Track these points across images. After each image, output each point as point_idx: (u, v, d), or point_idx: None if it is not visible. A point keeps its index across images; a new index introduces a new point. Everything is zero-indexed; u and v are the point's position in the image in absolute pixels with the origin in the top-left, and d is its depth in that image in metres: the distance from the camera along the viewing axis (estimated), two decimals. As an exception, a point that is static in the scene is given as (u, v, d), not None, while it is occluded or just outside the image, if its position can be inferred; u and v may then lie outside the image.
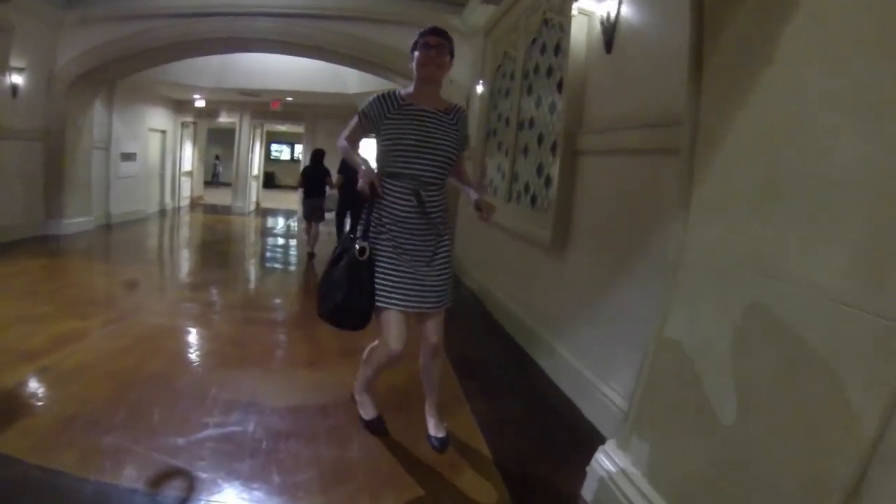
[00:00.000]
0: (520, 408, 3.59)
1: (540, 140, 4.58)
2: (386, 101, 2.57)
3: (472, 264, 6.85)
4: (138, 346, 4.07)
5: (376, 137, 2.62)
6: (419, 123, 2.54)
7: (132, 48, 8.55)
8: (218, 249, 9.53)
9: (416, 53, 2.54)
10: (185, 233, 11.82)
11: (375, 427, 2.98)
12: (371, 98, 2.62)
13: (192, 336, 4.59)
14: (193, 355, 4.14)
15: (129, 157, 11.76)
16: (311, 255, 8.35)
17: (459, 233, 7.68)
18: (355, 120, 2.68)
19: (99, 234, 9.65)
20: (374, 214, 2.58)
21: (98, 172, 10.52)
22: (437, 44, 2.52)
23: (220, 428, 2.92)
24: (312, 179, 8.22)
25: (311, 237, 8.39)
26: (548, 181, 4.36)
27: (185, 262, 8.45)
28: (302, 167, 9.58)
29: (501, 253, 5.49)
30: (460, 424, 3.16)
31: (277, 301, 6.16)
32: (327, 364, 4.05)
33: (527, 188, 4.84)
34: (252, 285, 7.20)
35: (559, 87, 4.23)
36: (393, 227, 2.55)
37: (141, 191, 12.46)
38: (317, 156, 8.37)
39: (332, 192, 8.05)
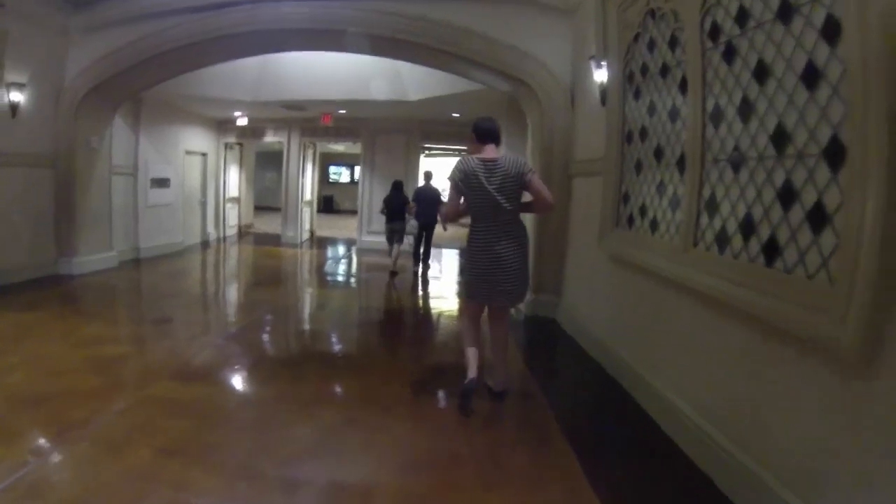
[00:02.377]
0: None
1: (788, 141, 2.40)
2: None
3: (583, 306, 4.90)
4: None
5: None
6: None
7: (146, 52, 7.00)
8: (254, 297, 7.69)
9: None
10: (217, 273, 10.04)
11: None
12: None
13: None
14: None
15: (161, 182, 10.32)
16: (393, 274, 9.15)
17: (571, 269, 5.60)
18: None
19: (117, 274, 8.03)
20: None
21: (123, 201, 9.14)
22: None
23: None
24: (394, 206, 9.07)
25: (394, 257, 9.29)
26: (819, 221, 2.19)
27: (194, 324, 6.04)
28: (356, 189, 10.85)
29: (676, 324, 3.33)
30: None
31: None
32: None
33: (747, 229, 2.66)
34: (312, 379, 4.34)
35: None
36: None
37: (177, 220, 10.97)
38: (397, 185, 9.25)
39: (409, 218, 9.21)
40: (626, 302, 4.23)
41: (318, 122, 11.55)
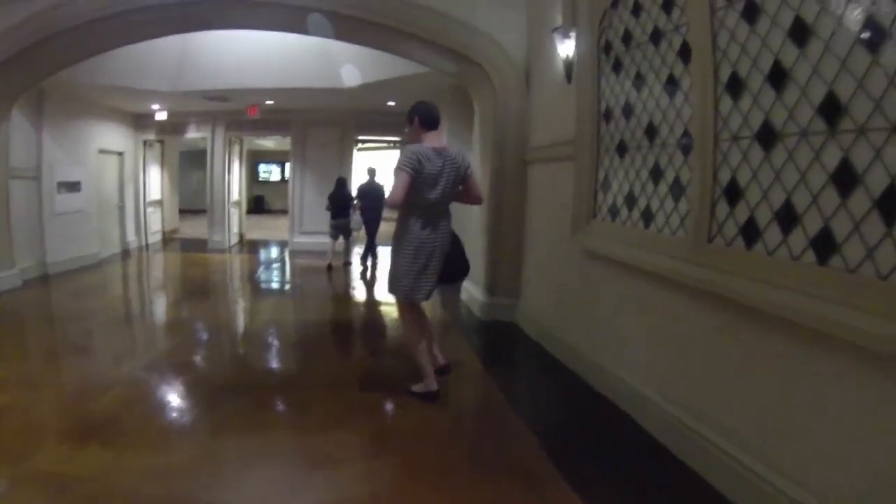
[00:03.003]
0: None
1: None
2: None
3: (550, 310, 4.41)
4: None
5: None
6: None
7: (45, 30, 5.82)
8: (177, 315, 6.84)
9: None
10: (136, 287, 8.97)
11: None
12: None
13: None
14: None
15: (70, 186, 9.15)
16: (329, 267, 9.34)
17: (531, 267, 5.15)
18: None
19: (19, 296, 6.85)
20: None
21: (25, 209, 7.93)
22: None
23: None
24: (338, 203, 9.27)
25: (331, 251, 9.49)
26: (892, 209, 1.77)
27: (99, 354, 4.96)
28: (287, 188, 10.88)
29: (682, 332, 2.89)
30: None
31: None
32: None
33: (787, 219, 2.23)
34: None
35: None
36: None
37: (91, 229, 9.80)
38: (340, 182, 9.53)
39: (353, 214, 9.24)
40: (609, 305, 3.76)
41: (244, 115, 10.63)
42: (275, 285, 8.87)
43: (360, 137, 12.06)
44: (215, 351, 5.08)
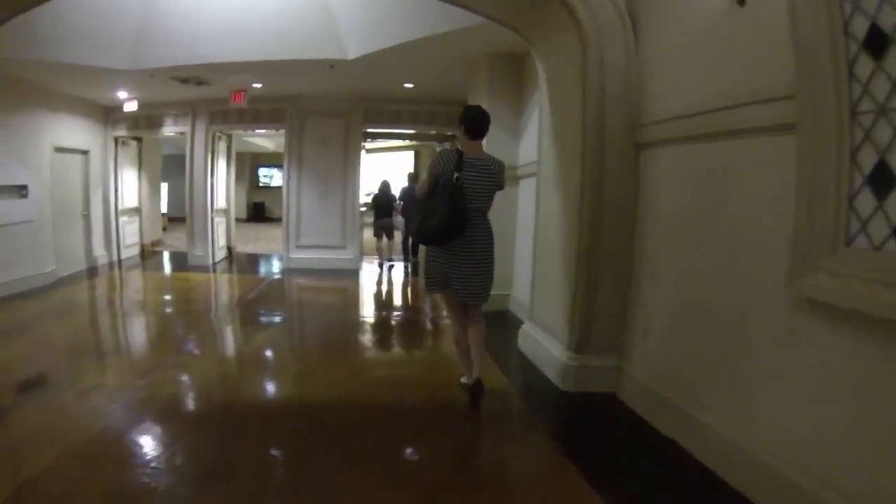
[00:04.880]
0: None
1: None
2: None
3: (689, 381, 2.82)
4: None
5: None
6: None
7: None
8: (127, 380, 4.68)
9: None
10: (87, 322, 6.63)
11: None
12: None
13: None
14: None
15: (11, 192, 7.34)
16: (381, 265, 10.14)
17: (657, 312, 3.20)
18: None
19: None
20: None
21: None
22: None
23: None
24: (382, 204, 10.00)
25: (382, 249, 10.23)
26: None
27: None
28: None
29: None
30: None
31: None
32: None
33: None
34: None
35: None
36: None
37: (43, 243, 7.98)
38: (384, 185, 10.09)
39: (396, 216, 10.03)
40: (815, 381, 2.07)
41: (228, 104, 8.68)
42: (269, 322, 6.54)
43: (369, 130, 10.01)
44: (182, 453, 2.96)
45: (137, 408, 3.53)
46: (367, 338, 5.77)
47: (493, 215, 3.64)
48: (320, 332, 6.08)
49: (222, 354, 5.19)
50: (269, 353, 5.18)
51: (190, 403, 3.88)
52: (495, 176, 3.53)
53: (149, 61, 6.97)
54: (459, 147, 3.56)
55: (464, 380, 3.73)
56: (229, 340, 5.72)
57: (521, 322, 5.19)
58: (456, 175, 3.38)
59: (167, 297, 7.73)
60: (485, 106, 3.87)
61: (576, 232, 3.67)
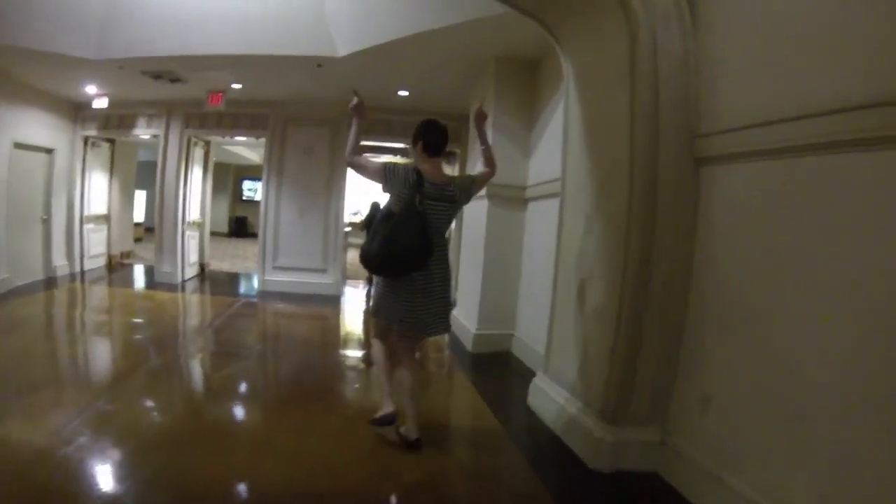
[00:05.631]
0: None
1: None
2: None
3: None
4: None
5: None
6: None
7: None
8: (56, 438, 3.65)
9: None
10: (31, 348, 5.30)
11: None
12: None
13: None
14: None
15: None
16: (370, 281, 9.26)
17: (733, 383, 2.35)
18: None
19: None
20: None
21: None
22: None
23: None
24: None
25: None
26: None
27: None
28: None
29: None
30: None
31: None
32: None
33: None
34: None
35: None
36: None
37: (-4, 248, 7.09)
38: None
39: None
40: None
41: (205, 105, 7.86)
42: (229, 358, 5.19)
43: (360, 143, 9.26)
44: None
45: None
46: (347, 387, 4.58)
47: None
48: (291, 376, 4.76)
49: (152, 409, 3.69)
50: (218, 408, 3.85)
51: (80, 492, 2.51)
52: (459, 203, 3.18)
53: (116, 50, 6.17)
54: (417, 167, 3.11)
55: (381, 414, 3.23)
56: (169, 387, 4.24)
57: (528, 370, 4.37)
58: (418, 198, 2.94)
59: (115, 320, 6.52)
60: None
61: (618, 272, 2.85)
